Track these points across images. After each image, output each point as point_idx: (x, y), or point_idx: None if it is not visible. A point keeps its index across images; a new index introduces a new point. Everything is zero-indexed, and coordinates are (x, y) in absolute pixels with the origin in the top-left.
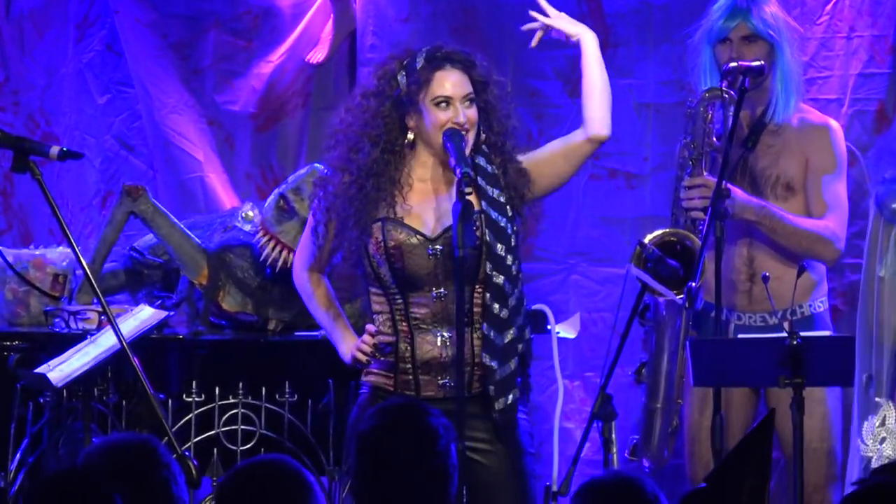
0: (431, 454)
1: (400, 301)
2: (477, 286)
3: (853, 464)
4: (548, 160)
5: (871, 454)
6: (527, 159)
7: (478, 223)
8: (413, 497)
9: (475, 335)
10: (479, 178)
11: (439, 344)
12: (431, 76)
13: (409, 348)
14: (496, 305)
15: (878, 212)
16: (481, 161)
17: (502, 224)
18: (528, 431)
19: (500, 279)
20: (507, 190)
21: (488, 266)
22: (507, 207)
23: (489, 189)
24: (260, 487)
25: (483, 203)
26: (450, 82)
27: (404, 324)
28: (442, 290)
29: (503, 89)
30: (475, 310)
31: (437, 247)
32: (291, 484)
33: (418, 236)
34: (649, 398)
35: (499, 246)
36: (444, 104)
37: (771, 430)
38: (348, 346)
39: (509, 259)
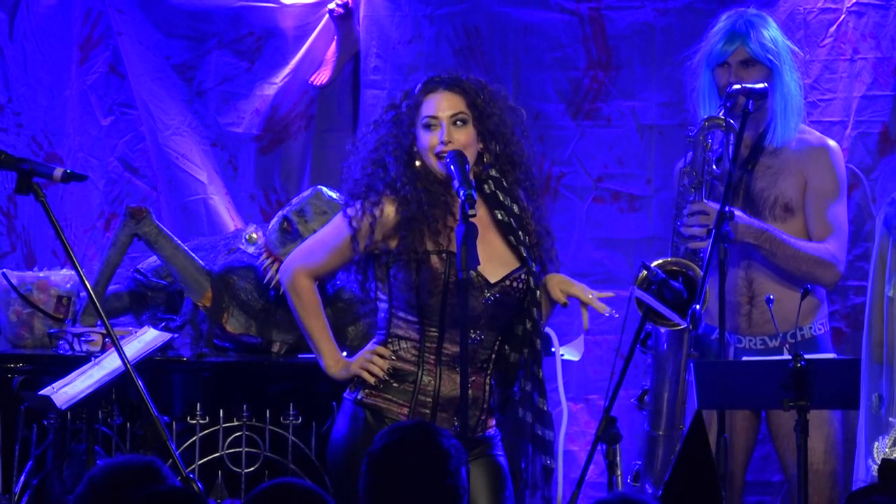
0: (443, 473)
1: (435, 335)
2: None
3: (858, 484)
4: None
5: None
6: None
7: (524, 275)
8: None
9: (487, 380)
10: (500, 213)
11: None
12: (423, 98)
13: (432, 382)
14: (534, 340)
15: (887, 231)
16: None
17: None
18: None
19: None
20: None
21: (531, 312)
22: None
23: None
24: None
25: (523, 250)
26: (437, 102)
27: (432, 357)
28: (480, 333)
29: (516, 116)
30: (492, 356)
31: (496, 294)
32: None
33: (480, 278)
34: (651, 425)
35: (538, 293)
36: (431, 125)
37: (704, 429)
38: (335, 360)
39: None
